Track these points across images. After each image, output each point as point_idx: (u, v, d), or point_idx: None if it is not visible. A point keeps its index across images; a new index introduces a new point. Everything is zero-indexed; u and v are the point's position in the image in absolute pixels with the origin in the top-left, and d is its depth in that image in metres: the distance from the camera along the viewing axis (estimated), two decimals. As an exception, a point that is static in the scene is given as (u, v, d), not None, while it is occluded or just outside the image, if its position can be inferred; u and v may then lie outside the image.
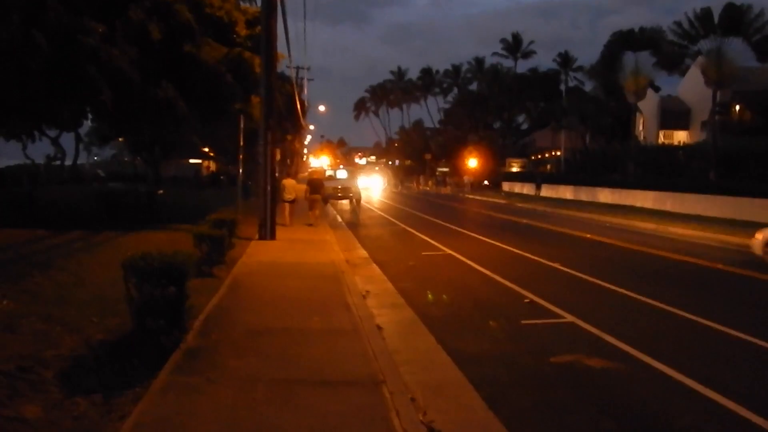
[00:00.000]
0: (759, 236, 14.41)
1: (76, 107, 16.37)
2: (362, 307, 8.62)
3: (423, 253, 14.87)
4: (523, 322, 8.09)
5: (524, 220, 25.69)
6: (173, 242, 12.95)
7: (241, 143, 17.14)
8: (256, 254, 13.23)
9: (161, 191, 20.40)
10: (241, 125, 16.80)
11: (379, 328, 7.67)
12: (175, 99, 14.55)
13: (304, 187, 21.42)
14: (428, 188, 63.25)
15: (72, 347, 6.24)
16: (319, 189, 20.54)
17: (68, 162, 51.92)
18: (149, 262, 6.18)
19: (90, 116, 24.92)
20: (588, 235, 19.48)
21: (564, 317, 8.33)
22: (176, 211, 21.28)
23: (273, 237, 15.69)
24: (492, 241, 17.23)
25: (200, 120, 16.70)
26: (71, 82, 13.89)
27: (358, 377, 5.59)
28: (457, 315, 8.74)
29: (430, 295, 9.91)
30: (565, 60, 78.21)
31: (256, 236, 15.71)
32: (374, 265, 13.01)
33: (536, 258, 14.02)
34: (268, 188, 15.63)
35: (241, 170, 17.89)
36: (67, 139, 42.50)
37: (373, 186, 58.72)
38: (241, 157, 17.51)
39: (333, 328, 7.28)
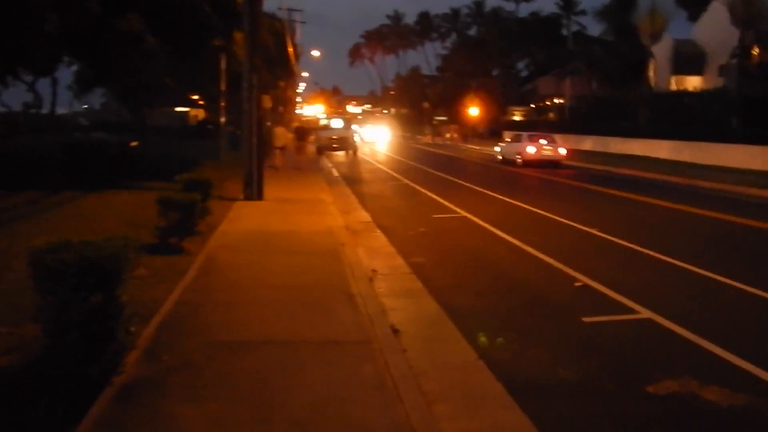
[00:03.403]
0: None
1: (45, 46, 14.02)
2: (370, 296, 6.65)
3: (434, 216, 12.84)
4: (586, 320, 6.11)
5: (537, 174, 23.62)
6: (140, 205, 10.92)
7: (224, 87, 14.87)
8: (239, 220, 11.18)
9: (135, 143, 18.12)
10: (223, 66, 14.50)
11: (395, 331, 5.72)
12: (142, 32, 12.21)
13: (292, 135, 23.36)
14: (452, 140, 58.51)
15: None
16: (306, 137, 23.79)
17: (47, 110, 49.08)
18: (63, 257, 4.15)
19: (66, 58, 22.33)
20: (614, 192, 17.44)
21: (636, 311, 6.35)
22: (155, 165, 19.10)
23: (260, 197, 13.62)
24: (509, 200, 15.19)
25: (176, 58, 14.36)
26: (17, 11, 11.56)
27: (376, 442, 3.64)
28: (494, 307, 6.77)
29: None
30: (567, 3, 74.73)
31: (242, 196, 13.66)
32: (379, 232, 11.00)
33: (567, 221, 12.00)
34: (254, 140, 13.49)
35: (223, 118, 15.64)
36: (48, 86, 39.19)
37: (380, 138, 55.10)
38: (223, 103, 15.23)
39: (334, 338, 5.30)
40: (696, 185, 20.02)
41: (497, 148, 30.37)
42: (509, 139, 28.38)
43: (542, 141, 26.60)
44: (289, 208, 12.89)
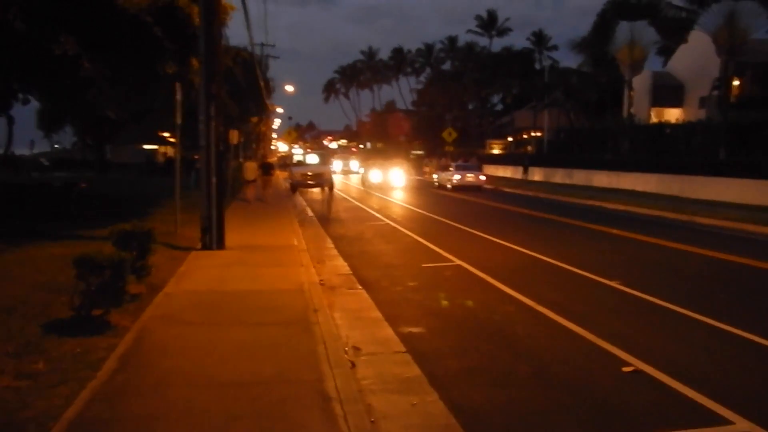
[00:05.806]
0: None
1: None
2: (352, 398, 4.79)
3: (423, 265, 11.05)
4: (662, 438, 4.31)
5: (527, 211, 22.04)
6: (67, 263, 8.92)
7: (179, 120, 13.06)
8: (191, 277, 9.25)
9: (84, 183, 16.14)
10: (178, 96, 12.71)
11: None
12: (77, 56, 10.40)
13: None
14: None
15: None
16: (271, 171, 25.20)
17: (18, 150, 46.53)
18: None
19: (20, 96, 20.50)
20: (616, 231, 15.82)
21: (726, 417, 4.56)
22: (106, 207, 17.10)
23: (221, 245, 11.70)
24: (508, 244, 13.34)
25: (122, 87, 12.54)
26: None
27: None
28: (525, 411, 4.94)
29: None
30: (539, 39, 75.26)
31: (199, 244, 11.76)
32: (360, 289, 9.16)
33: (580, 272, 10.23)
34: (213, 180, 11.64)
35: (177, 154, 13.80)
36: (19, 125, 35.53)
37: (394, 179, 38.07)
38: (177, 138, 13.41)
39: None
40: (691, 220, 18.56)
41: (434, 176, 38.49)
42: (443, 169, 36.92)
43: (466, 171, 34.37)
44: (253, 258, 11.00)
